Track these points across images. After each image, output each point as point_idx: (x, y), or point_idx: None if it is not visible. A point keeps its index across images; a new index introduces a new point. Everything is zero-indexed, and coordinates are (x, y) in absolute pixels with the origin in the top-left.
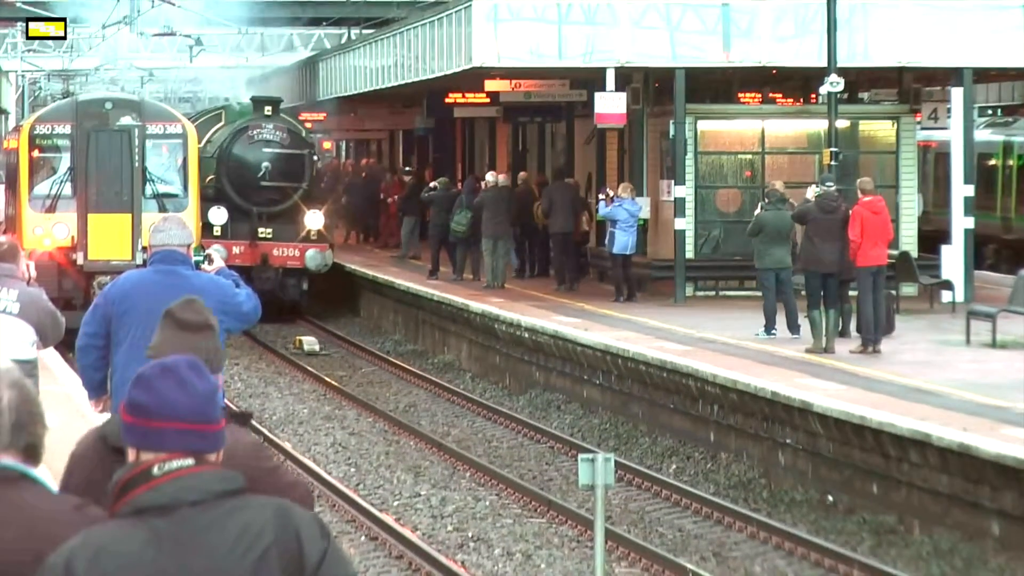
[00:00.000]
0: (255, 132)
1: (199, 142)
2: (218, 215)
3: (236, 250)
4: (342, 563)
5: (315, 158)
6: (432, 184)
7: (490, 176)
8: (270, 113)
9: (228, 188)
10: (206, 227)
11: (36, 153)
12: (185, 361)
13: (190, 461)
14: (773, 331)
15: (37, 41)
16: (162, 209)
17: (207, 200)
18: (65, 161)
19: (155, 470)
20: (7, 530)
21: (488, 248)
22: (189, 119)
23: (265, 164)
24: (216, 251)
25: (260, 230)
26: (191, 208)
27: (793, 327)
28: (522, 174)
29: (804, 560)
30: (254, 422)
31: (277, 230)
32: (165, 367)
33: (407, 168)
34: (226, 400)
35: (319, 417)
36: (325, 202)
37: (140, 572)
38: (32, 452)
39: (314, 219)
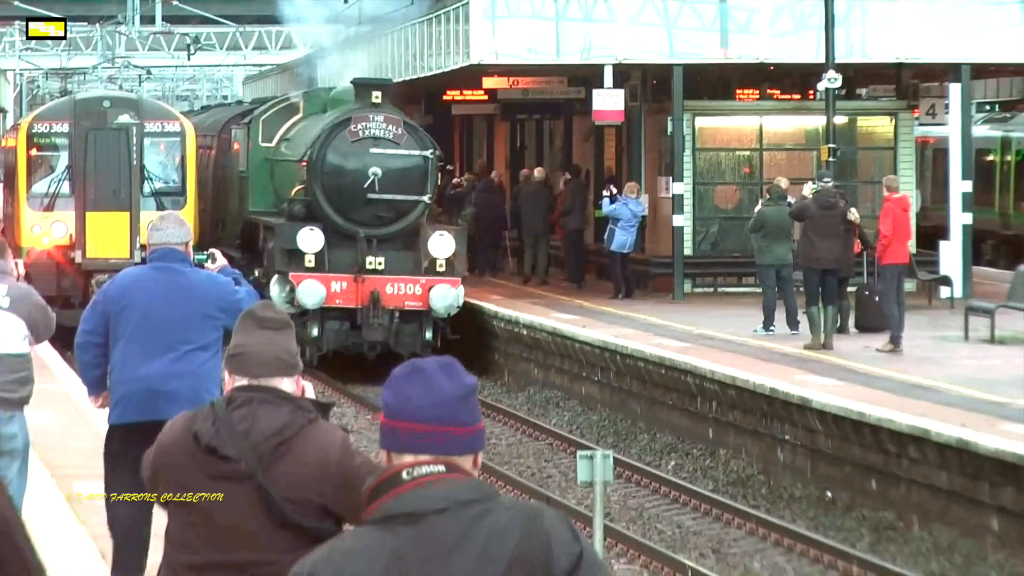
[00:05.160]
0: (359, 127)
1: (271, 141)
2: (311, 240)
3: (336, 287)
4: (598, 569)
5: (441, 163)
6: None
7: (536, 172)
8: (378, 101)
9: (324, 203)
10: (293, 255)
11: (34, 152)
12: (436, 361)
13: (440, 468)
14: (772, 327)
15: (35, 40)
16: (160, 207)
17: (294, 219)
18: (63, 159)
19: (404, 475)
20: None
21: (530, 244)
22: (252, 110)
23: (374, 171)
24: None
25: (369, 260)
26: (189, 206)
27: (792, 323)
28: (524, 171)
29: (803, 556)
30: None
31: (391, 260)
32: (414, 367)
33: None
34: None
35: None
36: (453, 221)
37: None
38: None
39: (442, 244)
